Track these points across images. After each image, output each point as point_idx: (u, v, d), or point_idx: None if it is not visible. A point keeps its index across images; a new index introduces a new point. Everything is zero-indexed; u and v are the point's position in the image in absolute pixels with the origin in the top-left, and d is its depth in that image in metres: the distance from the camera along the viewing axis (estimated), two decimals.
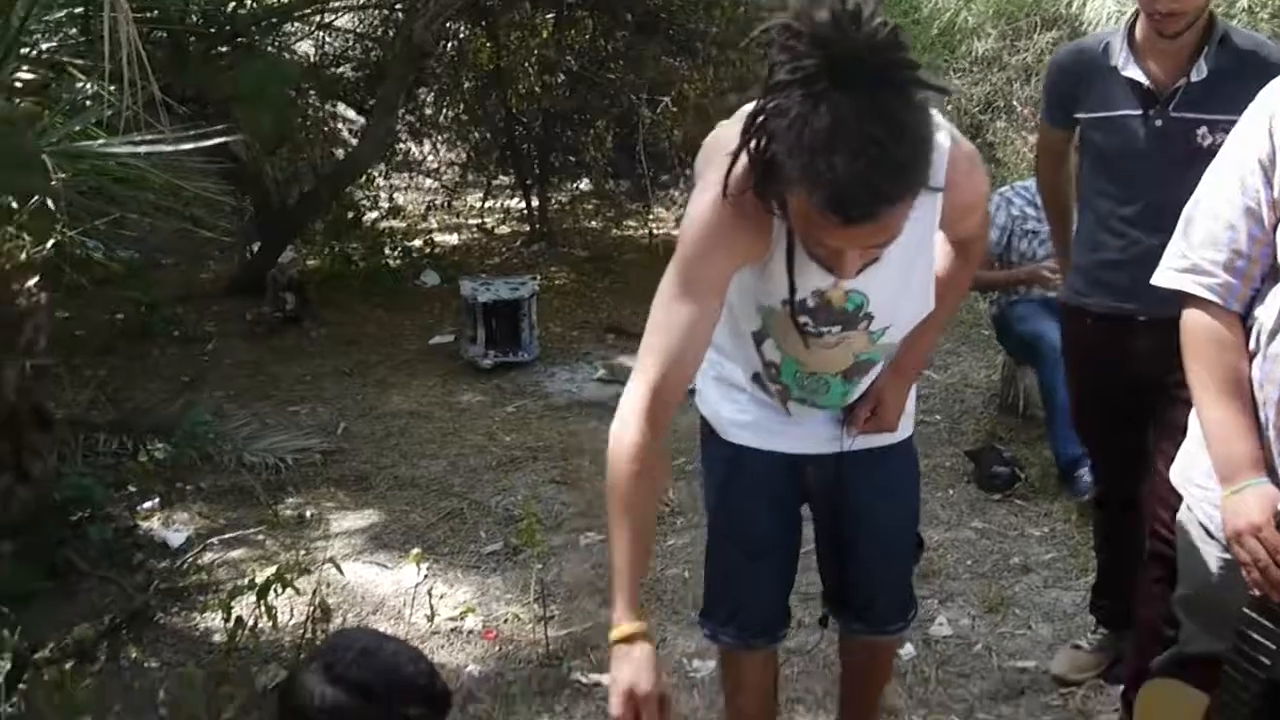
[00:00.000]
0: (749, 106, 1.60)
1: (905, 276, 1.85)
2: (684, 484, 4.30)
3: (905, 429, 2.17)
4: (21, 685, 2.84)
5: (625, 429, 1.67)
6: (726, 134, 1.72)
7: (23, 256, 3.85)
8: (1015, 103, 8.21)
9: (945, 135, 1.72)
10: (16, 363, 3.78)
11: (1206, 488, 1.83)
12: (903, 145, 1.40)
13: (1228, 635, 1.76)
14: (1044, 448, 4.19)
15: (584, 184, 8.82)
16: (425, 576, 3.57)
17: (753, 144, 1.53)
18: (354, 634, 1.50)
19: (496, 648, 3.21)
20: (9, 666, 2.83)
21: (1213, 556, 1.85)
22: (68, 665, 2.94)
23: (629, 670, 1.55)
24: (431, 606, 3.37)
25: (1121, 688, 2.60)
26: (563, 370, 5.80)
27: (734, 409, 2.09)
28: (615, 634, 1.59)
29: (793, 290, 1.75)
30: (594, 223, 8.73)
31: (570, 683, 3.02)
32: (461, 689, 2.99)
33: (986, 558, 3.64)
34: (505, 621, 3.35)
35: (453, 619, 3.35)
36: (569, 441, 4.80)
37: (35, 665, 2.93)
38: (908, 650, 3.09)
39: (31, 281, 3.79)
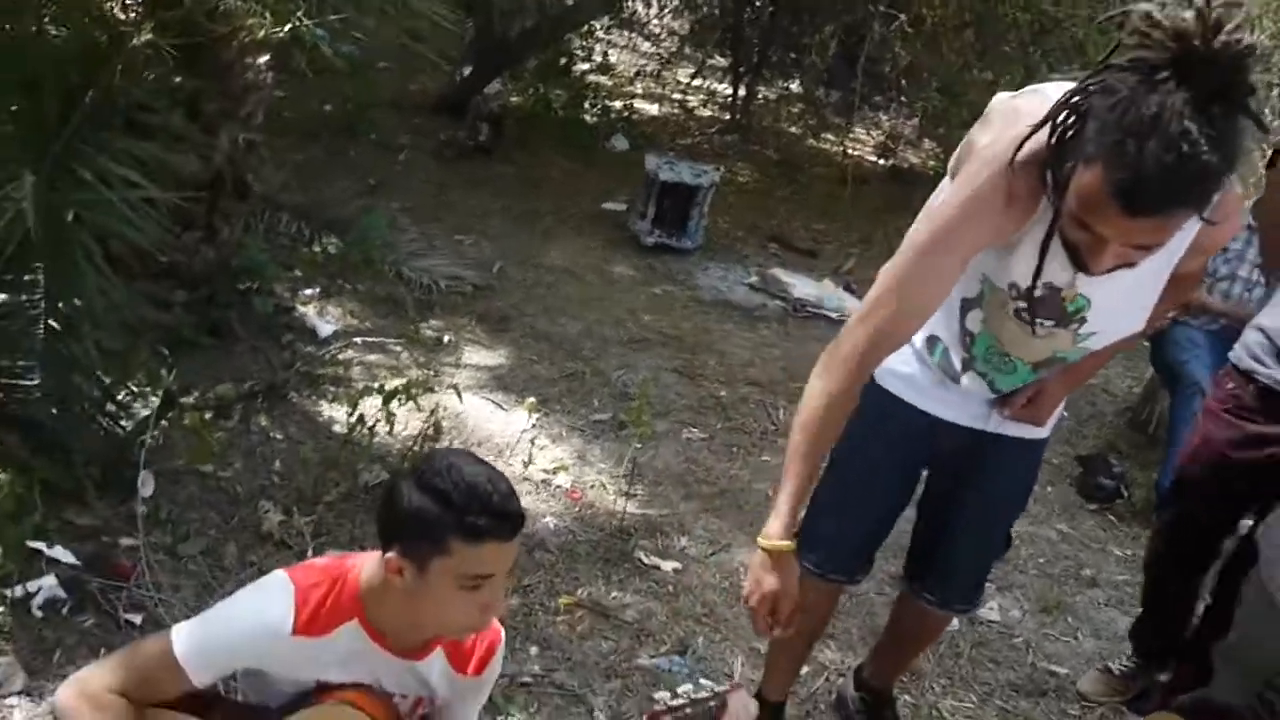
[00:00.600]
0: (1052, 86, 1.67)
1: (1133, 293, 1.86)
2: (795, 406, 4.40)
3: (1047, 430, 2.21)
4: (164, 422, 3.21)
5: (836, 371, 1.80)
6: (1023, 104, 1.75)
7: (260, 34, 4.12)
8: (1269, 112, 7.67)
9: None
10: (233, 131, 4.12)
11: None
12: (1214, 155, 1.44)
13: (1250, 693, 1.82)
14: (1156, 473, 4.13)
15: (794, 85, 8.73)
16: (533, 425, 3.81)
17: (1063, 115, 1.58)
18: (452, 452, 1.65)
19: (576, 509, 3.44)
20: (159, 403, 3.21)
21: (1266, 615, 1.89)
22: (206, 415, 3.30)
23: (778, 579, 1.83)
24: (530, 454, 3.61)
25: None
26: (718, 267, 5.90)
27: (898, 359, 2.10)
28: (768, 543, 1.83)
29: (1037, 276, 1.76)
30: (793, 127, 8.66)
31: (633, 559, 3.23)
32: (535, 535, 3.24)
33: (1059, 561, 3.66)
34: (591, 487, 3.58)
35: (546, 471, 3.59)
36: (701, 337, 4.94)
37: (180, 408, 3.30)
38: (952, 623, 3.18)
39: (263, 59, 4.06)
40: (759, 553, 1.86)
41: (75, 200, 2.88)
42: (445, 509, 1.58)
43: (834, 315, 5.50)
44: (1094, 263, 1.63)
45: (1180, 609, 2.86)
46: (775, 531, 1.82)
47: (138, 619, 2.58)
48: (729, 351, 4.85)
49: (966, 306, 1.99)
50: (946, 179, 2.01)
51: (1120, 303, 1.87)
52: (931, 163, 7.97)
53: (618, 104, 8.22)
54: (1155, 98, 1.43)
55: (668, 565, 3.24)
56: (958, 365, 2.09)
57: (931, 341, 2.09)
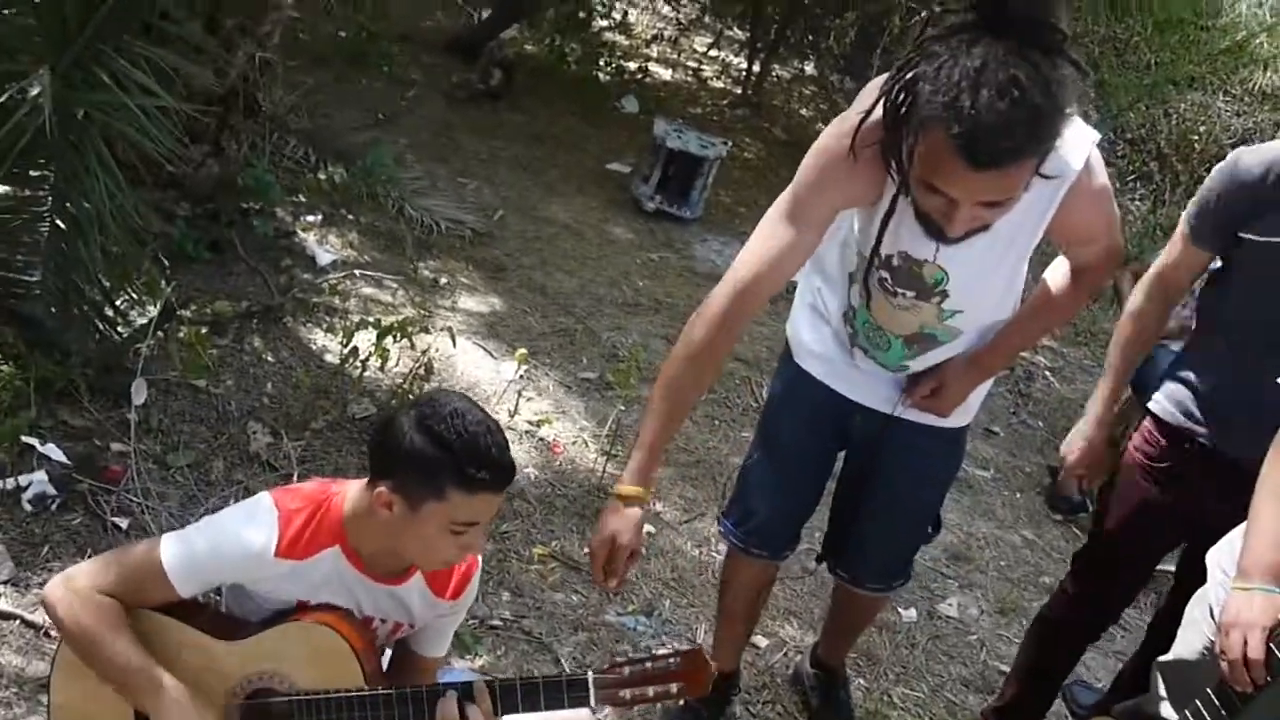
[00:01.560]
0: (869, 87, 1.75)
1: (991, 268, 1.93)
2: None
3: (959, 420, 2.26)
4: (160, 333, 3.22)
5: (700, 322, 1.90)
6: (844, 118, 1.83)
7: None
8: None
9: (1081, 153, 1.80)
10: (250, 49, 4.10)
11: (1230, 576, 1.92)
12: (1044, 97, 1.51)
13: (1182, 708, 1.91)
14: None
15: (809, 67, 8.72)
16: (521, 376, 3.85)
17: (894, 89, 1.64)
18: (453, 397, 1.67)
19: (557, 462, 3.49)
20: (157, 312, 3.23)
21: (1205, 637, 1.97)
22: (202, 330, 3.31)
23: (618, 522, 1.84)
24: (516, 405, 3.65)
25: None
26: (716, 240, 5.93)
27: (813, 338, 2.23)
28: (619, 489, 1.87)
29: (877, 244, 1.87)
30: (804, 110, 8.65)
31: None
32: (515, 485, 3.28)
33: (1020, 566, 3.75)
34: (573, 443, 3.63)
35: (530, 423, 3.64)
36: (694, 308, 4.93)
37: (178, 320, 3.31)
38: (910, 615, 3.28)
39: None
40: (609, 500, 1.89)
41: (90, 100, 2.88)
42: (446, 456, 1.61)
43: None
44: (949, 226, 1.70)
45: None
46: (628, 477, 1.87)
47: (124, 523, 2.62)
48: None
49: (850, 281, 2.08)
50: None
51: (980, 278, 1.94)
52: None
53: (632, 65, 8.18)
54: (977, 50, 1.50)
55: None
56: (848, 341, 2.17)
57: (845, 318, 2.16)
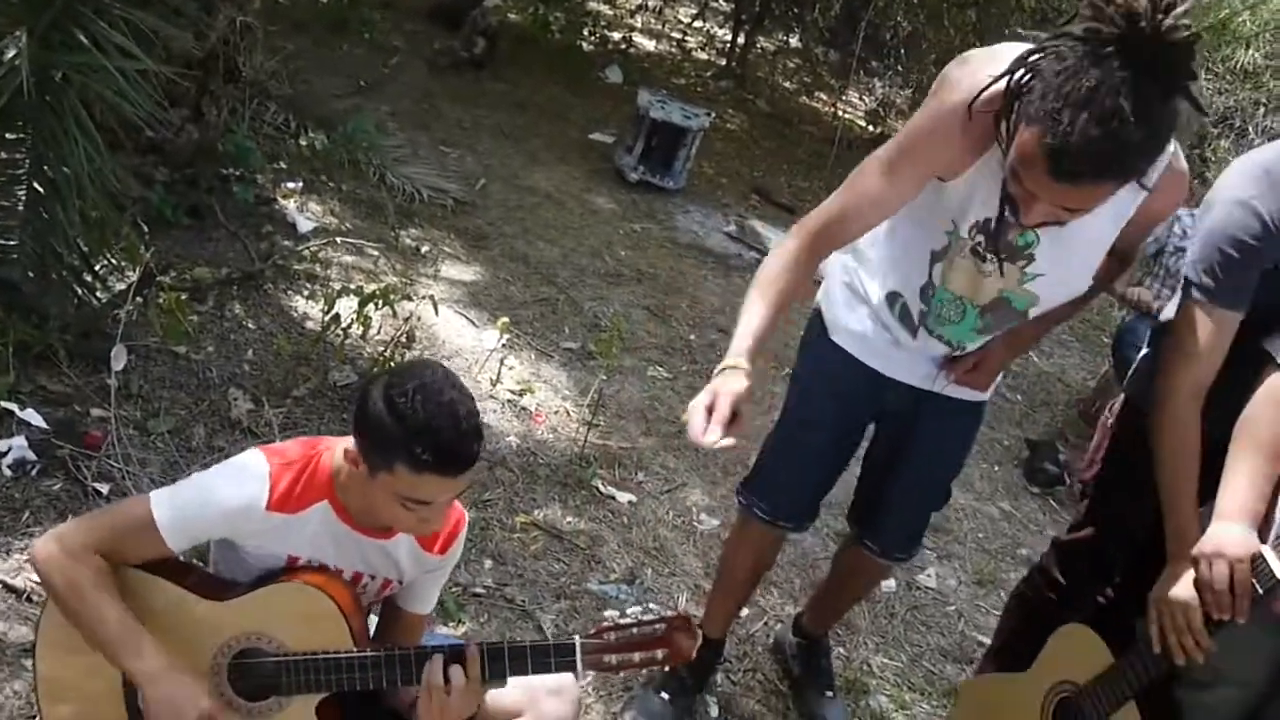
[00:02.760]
0: (1009, 46, 1.73)
1: (1078, 242, 1.93)
2: (760, 359, 4.47)
3: (987, 394, 2.32)
4: (139, 299, 3.20)
5: (785, 244, 1.91)
6: (976, 62, 1.82)
7: None
8: (1253, 129, 7.78)
9: (1173, 145, 1.81)
10: (231, 12, 4.05)
11: None
12: (1142, 133, 1.54)
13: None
14: None
15: (794, 40, 8.70)
16: (503, 345, 3.84)
17: (1019, 72, 1.67)
18: (431, 370, 1.65)
19: (539, 431, 3.49)
20: (137, 277, 3.20)
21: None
22: (182, 296, 3.28)
23: (723, 382, 1.70)
24: (499, 373, 3.64)
25: None
26: (698, 211, 5.92)
27: (853, 318, 2.23)
28: (723, 364, 1.75)
29: (1003, 208, 1.83)
30: (788, 82, 8.65)
31: (591, 486, 3.29)
32: (497, 453, 3.29)
33: (998, 538, 3.79)
34: (555, 413, 3.63)
35: (512, 392, 3.63)
36: (676, 279, 4.98)
37: (158, 286, 3.28)
38: (889, 585, 3.30)
39: None
40: (717, 373, 1.75)
41: (68, 63, 2.84)
42: (397, 431, 1.60)
43: None
44: (1025, 215, 1.74)
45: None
46: (731, 355, 1.76)
47: (105, 489, 2.60)
48: (701, 297, 4.89)
49: (934, 259, 2.07)
50: None
51: (1068, 246, 1.94)
52: None
53: (616, 35, 8.15)
54: (1096, 71, 1.53)
55: (623, 497, 3.31)
56: (915, 319, 2.17)
57: (892, 297, 2.17)
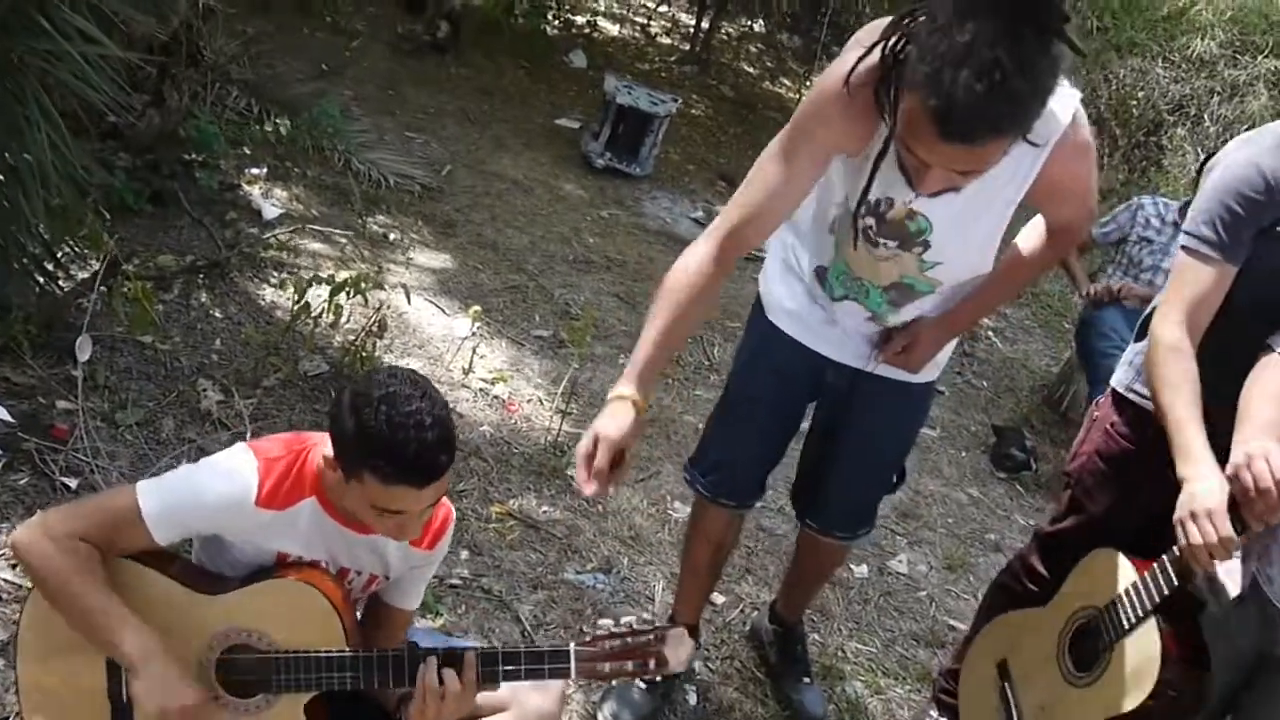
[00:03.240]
0: (884, 20, 1.72)
1: (971, 222, 1.95)
2: (731, 346, 4.49)
3: (928, 375, 2.31)
4: (103, 288, 3.13)
5: (695, 250, 1.90)
6: (863, 34, 1.82)
7: None
8: (1208, 117, 7.88)
9: (1068, 109, 1.80)
10: None
11: None
12: (1024, 81, 1.50)
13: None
14: (1064, 451, 4.32)
15: (758, 25, 8.69)
16: (474, 333, 3.82)
17: (892, 38, 1.65)
18: (401, 380, 1.61)
19: (513, 420, 3.48)
20: (101, 265, 3.14)
21: None
22: (147, 284, 3.23)
23: (609, 420, 1.74)
24: (471, 362, 3.62)
25: None
26: (665, 197, 5.91)
27: (786, 294, 2.25)
28: (613, 393, 1.78)
29: (867, 189, 1.86)
30: (752, 67, 8.64)
31: (565, 475, 3.28)
32: (471, 443, 3.27)
33: (967, 523, 3.83)
34: (528, 401, 3.61)
35: (484, 380, 3.61)
36: (645, 266, 4.97)
37: (124, 274, 3.22)
38: (861, 571, 3.33)
39: None
40: (607, 404, 1.79)
41: (30, 48, 2.77)
42: (362, 443, 1.59)
43: None
44: (921, 183, 1.72)
45: None
46: (624, 382, 1.79)
47: (73, 483, 2.56)
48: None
49: (829, 233, 2.09)
50: None
51: (960, 232, 1.96)
52: None
53: (580, 19, 8.09)
54: (970, 25, 1.48)
55: None
56: (826, 291, 2.19)
57: (819, 272, 2.18)
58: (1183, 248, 2.06)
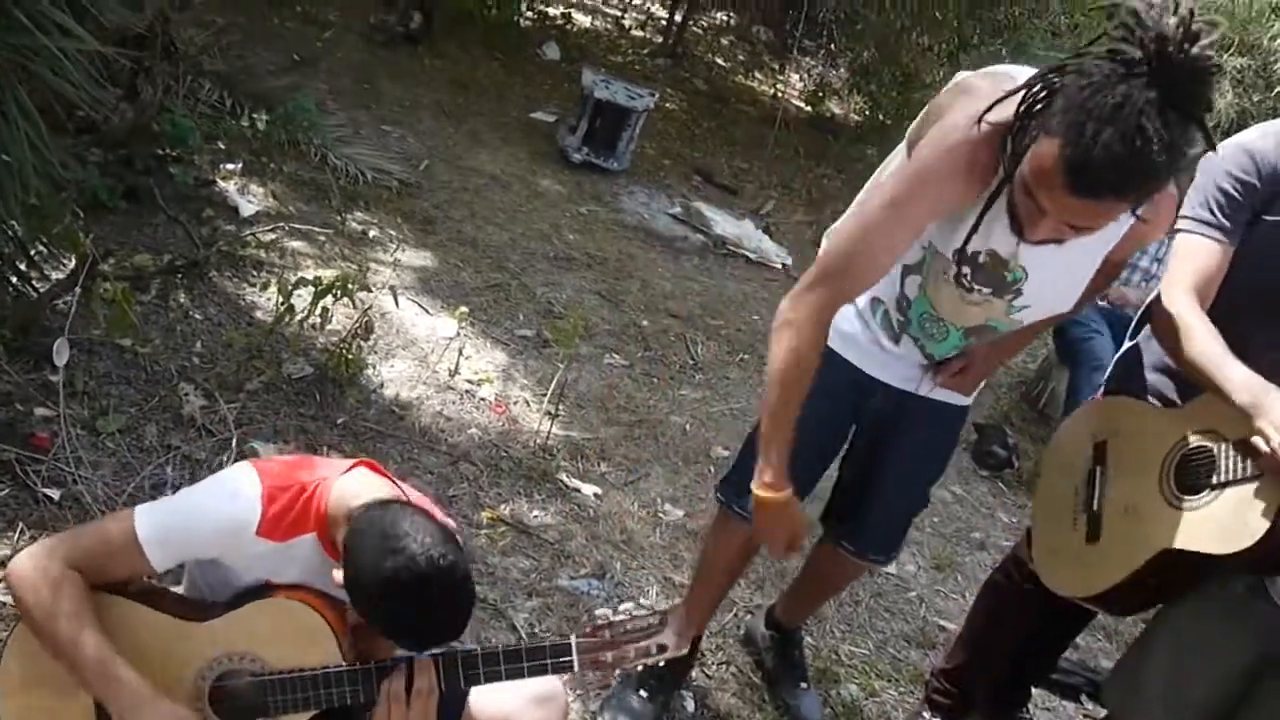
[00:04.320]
0: (1017, 68, 1.73)
1: (1065, 274, 1.96)
2: (714, 344, 4.47)
3: (970, 398, 2.33)
4: (78, 289, 3.05)
5: (802, 331, 1.88)
6: (986, 83, 1.81)
7: None
8: None
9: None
10: None
11: None
12: (1163, 156, 1.53)
13: None
14: (1045, 447, 4.35)
15: (731, 17, 8.66)
16: (459, 334, 3.77)
17: (1037, 87, 1.65)
18: (429, 558, 1.53)
19: (501, 423, 3.43)
20: (78, 265, 3.06)
21: None
22: (123, 286, 3.14)
23: (792, 525, 2.03)
24: (457, 363, 3.57)
25: None
26: (642, 192, 5.87)
27: (843, 318, 2.18)
28: (771, 493, 1.97)
29: (972, 234, 1.85)
30: (725, 61, 8.61)
31: (555, 479, 3.25)
32: (459, 447, 3.23)
33: (952, 522, 3.84)
34: (515, 403, 3.57)
35: (471, 382, 3.56)
36: (625, 263, 4.93)
37: (101, 275, 3.14)
38: None
39: None
40: (766, 503, 1.99)
41: (7, 43, 2.69)
42: (386, 614, 1.57)
43: (753, 256, 5.56)
44: (1031, 231, 1.73)
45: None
46: (777, 478, 1.97)
47: (56, 494, 2.48)
48: (651, 281, 4.86)
49: (906, 272, 2.08)
50: (901, 149, 2.06)
51: (1055, 279, 1.97)
52: (855, 116, 8.04)
53: (554, 10, 8.02)
54: (1123, 89, 1.51)
55: (588, 489, 3.27)
56: (895, 328, 2.18)
57: (874, 303, 2.17)
58: (1181, 230, 2.09)
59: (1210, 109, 1.56)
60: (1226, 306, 2.06)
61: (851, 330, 2.21)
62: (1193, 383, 2.01)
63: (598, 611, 1.75)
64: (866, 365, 2.23)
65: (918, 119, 2.00)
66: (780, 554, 2.10)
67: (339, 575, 1.59)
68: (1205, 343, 1.96)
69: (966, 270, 1.94)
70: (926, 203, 1.82)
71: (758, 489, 1.97)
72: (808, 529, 2.02)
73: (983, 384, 2.34)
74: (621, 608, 1.74)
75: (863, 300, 2.17)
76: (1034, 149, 1.63)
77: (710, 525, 2.58)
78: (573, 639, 1.69)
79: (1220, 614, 2.01)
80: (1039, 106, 1.64)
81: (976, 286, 1.97)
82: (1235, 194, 2.04)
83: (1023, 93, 1.67)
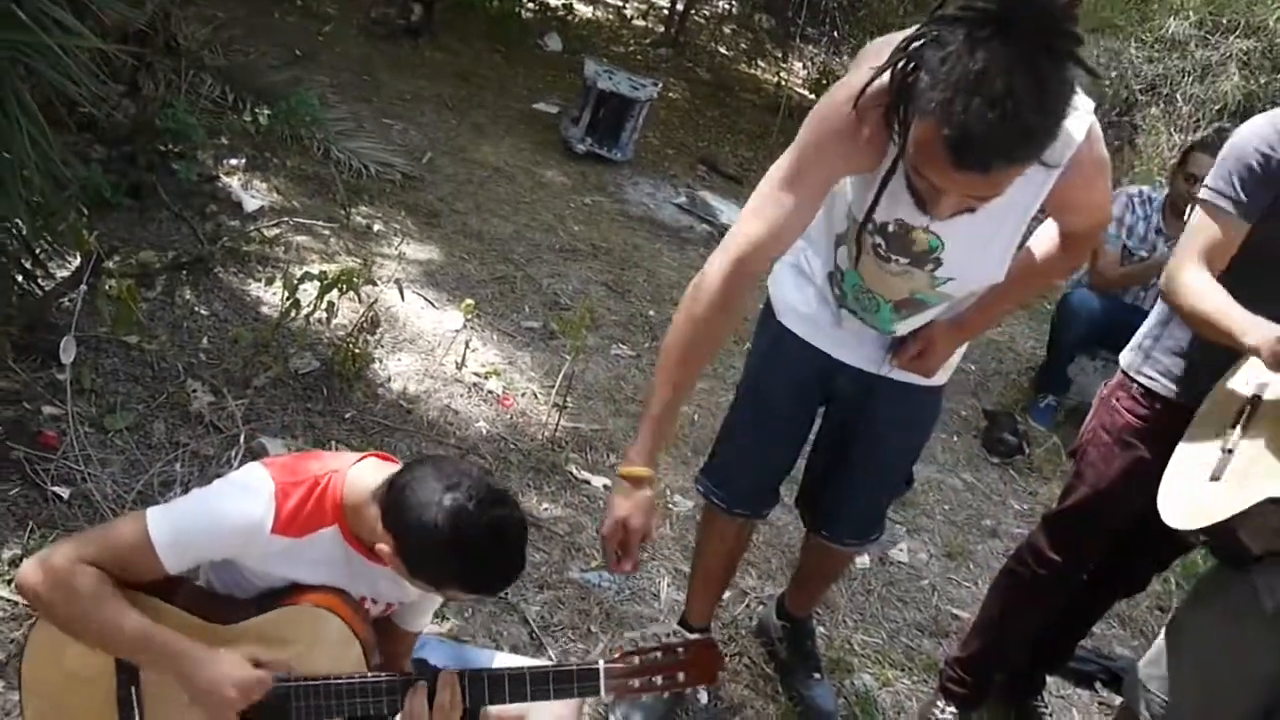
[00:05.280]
0: (909, 30, 1.65)
1: (987, 239, 1.92)
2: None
3: (941, 378, 2.28)
4: (83, 286, 3.04)
5: (703, 296, 1.80)
6: (872, 49, 1.78)
7: None
8: (1180, 97, 7.90)
9: (1082, 126, 1.77)
10: None
11: None
12: (1038, 112, 1.46)
13: None
14: (1054, 435, 4.35)
15: (733, 6, 8.63)
16: (465, 326, 3.75)
17: (901, 63, 1.60)
18: (496, 497, 1.57)
19: (508, 416, 3.42)
20: (83, 263, 3.05)
21: None
22: (128, 283, 3.13)
23: (629, 506, 1.76)
24: (464, 356, 3.55)
25: None
26: (647, 183, 5.85)
27: (799, 298, 2.21)
28: (626, 469, 1.78)
29: (872, 210, 1.83)
30: (727, 50, 8.57)
31: (564, 471, 3.23)
32: (468, 440, 3.22)
33: (963, 510, 3.82)
34: (523, 395, 3.55)
35: (478, 375, 3.55)
36: (631, 253, 4.92)
37: (106, 272, 3.13)
38: (863, 561, 3.30)
39: None
40: (617, 481, 1.81)
41: (8, 40, 2.67)
42: (463, 569, 1.58)
43: None
44: (934, 208, 1.68)
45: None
46: (631, 457, 1.79)
47: (65, 493, 2.47)
48: (657, 271, 4.84)
49: (838, 243, 2.06)
50: None
51: (975, 249, 1.93)
52: None
53: (554, 1, 7.99)
54: (981, 53, 1.44)
55: (597, 481, 3.26)
56: (834, 302, 2.16)
57: (832, 276, 2.14)
58: (1200, 202, 2.13)
59: (1080, 41, 1.48)
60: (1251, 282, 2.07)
61: (809, 312, 2.19)
62: (1210, 343, 2.07)
63: (627, 635, 1.72)
64: (827, 346, 2.21)
65: (855, 59, 1.94)
66: (609, 557, 1.80)
67: (387, 549, 1.58)
68: (1211, 298, 2.05)
69: (880, 241, 1.92)
70: (818, 166, 1.78)
71: (620, 469, 1.81)
72: (644, 529, 1.77)
73: (953, 364, 2.29)
74: (650, 630, 1.72)
75: (820, 276, 2.16)
76: (912, 132, 1.57)
77: (701, 516, 2.57)
78: (600, 664, 1.67)
79: (1253, 622, 1.99)
80: (908, 79, 1.58)
81: (893, 256, 1.94)
82: (1259, 170, 2.05)
83: (889, 71, 1.61)
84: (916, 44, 1.56)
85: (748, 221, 1.83)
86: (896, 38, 1.71)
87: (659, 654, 1.67)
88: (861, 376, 2.23)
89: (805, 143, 1.80)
